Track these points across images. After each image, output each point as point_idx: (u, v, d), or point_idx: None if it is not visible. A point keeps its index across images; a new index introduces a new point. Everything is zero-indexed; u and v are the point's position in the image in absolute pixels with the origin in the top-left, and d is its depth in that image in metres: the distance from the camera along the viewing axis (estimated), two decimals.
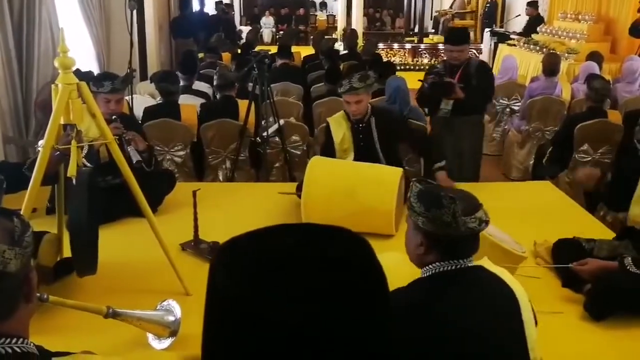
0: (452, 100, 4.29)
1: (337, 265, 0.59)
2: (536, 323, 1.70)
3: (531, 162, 5.55)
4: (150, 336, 2.42)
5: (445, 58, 4.64)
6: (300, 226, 0.67)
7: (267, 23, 19.44)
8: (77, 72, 4.16)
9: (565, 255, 2.88)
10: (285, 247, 0.61)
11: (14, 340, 1.18)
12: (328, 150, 4.01)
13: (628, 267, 2.55)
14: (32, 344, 1.23)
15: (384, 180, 3.46)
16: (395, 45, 14.19)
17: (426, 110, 4.64)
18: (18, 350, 1.18)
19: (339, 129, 3.95)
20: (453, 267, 1.62)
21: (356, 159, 3.88)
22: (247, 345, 0.57)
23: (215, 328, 0.61)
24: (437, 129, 4.50)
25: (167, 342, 2.38)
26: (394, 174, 3.51)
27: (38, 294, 1.96)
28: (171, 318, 2.40)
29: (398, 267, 2.08)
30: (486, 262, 1.72)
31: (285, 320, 0.55)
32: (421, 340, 1.51)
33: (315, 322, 0.55)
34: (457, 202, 1.59)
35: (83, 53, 6.17)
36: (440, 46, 14.15)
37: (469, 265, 1.64)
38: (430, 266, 1.65)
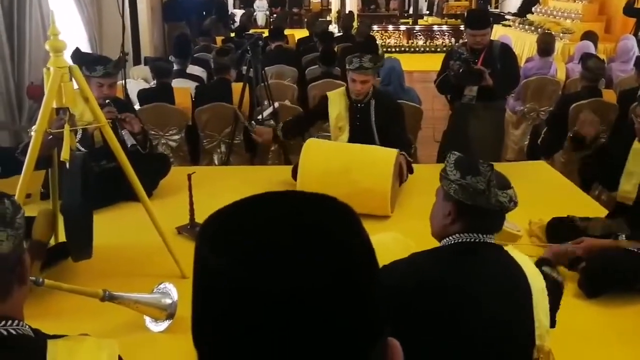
0: (476, 87, 4.10)
1: (320, 233, 0.59)
2: (554, 324, 1.73)
3: (526, 143, 5.55)
4: (147, 319, 2.43)
5: (465, 41, 4.42)
6: (284, 194, 0.67)
7: (261, 6, 19.23)
8: (77, 52, 4.14)
9: (559, 234, 2.89)
10: (269, 216, 0.61)
11: (9, 323, 1.18)
12: (314, 115, 4.08)
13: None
14: (27, 326, 1.23)
15: (379, 162, 3.46)
16: (390, 27, 14.11)
17: (448, 97, 4.48)
18: (14, 332, 1.19)
19: (337, 104, 3.92)
20: (472, 240, 1.64)
21: (350, 139, 3.86)
22: (235, 318, 0.57)
23: (203, 302, 0.61)
24: (459, 115, 4.32)
25: (164, 325, 2.39)
26: (389, 155, 3.51)
27: (33, 278, 1.97)
28: (168, 301, 2.41)
29: (392, 246, 2.09)
30: (510, 248, 1.73)
31: (270, 291, 0.55)
32: (432, 309, 1.54)
33: (301, 293, 0.55)
34: (494, 171, 1.63)
35: (75, 37, 6.11)
36: (435, 27, 14.12)
37: (488, 241, 1.66)
38: (451, 237, 1.67)
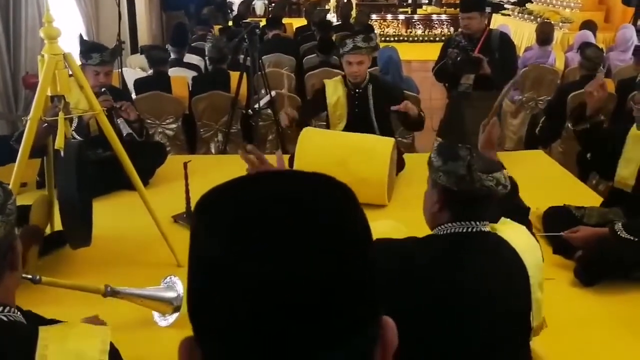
0: (473, 75, 4.05)
1: (317, 211, 0.58)
2: None
3: (524, 132, 5.54)
4: (155, 314, 2.39)
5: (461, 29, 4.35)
6: (282, 174, 0.65)
7: None
8: (80, 39, 4.10)
9: (555, 222, 2.89)
10: (264, 195, 0.60)
11: (0, 309, 1.18)
12: (315, 105, 3.96)
13: (619, 233, 2.56)
14: (19, 313, 1.22)
15: (376, 151, 3.44)
16: (389, 17, 14.03)
17: (446, 85, 4.46)
18: (5, 319, 1.18)
19: (334, 92, 3.88)
20: (465, 230, 1.60)
21: (349, 126, 3.82)
22: (230, 303, 0.56)
23: (196, 287, 0.60)
24: (456, 103, 4.30)
25: (171, 319, 2.35)
26: (386, 144, 3.49)
27: (30, 276, 1.94)
28: (173, 294, 2.36)
29: (392, 234, 2.08)
30: (504, 229, 1.69)
31: (263, 273, 0.54)
32: (424, 299, 1.52)
33: (296, 275, 0.54)
34: (475, 156, 1.59)
35: (72, 26, 6.07)
36: (434, 17, 14.06)
37: (482, 229, 1.63)
38: (442, 226, 1.64)
